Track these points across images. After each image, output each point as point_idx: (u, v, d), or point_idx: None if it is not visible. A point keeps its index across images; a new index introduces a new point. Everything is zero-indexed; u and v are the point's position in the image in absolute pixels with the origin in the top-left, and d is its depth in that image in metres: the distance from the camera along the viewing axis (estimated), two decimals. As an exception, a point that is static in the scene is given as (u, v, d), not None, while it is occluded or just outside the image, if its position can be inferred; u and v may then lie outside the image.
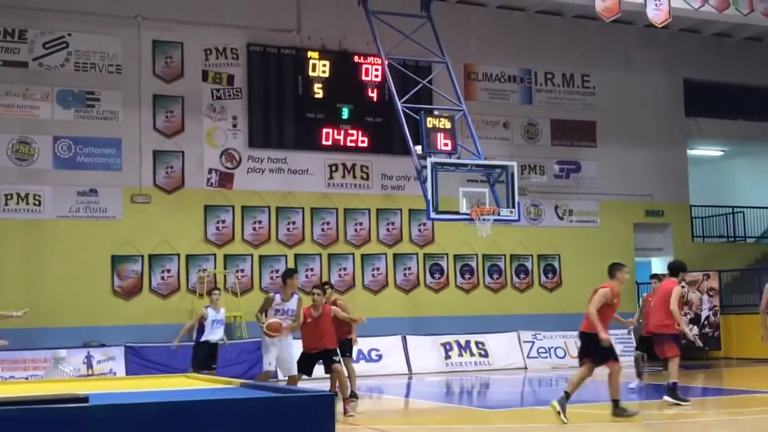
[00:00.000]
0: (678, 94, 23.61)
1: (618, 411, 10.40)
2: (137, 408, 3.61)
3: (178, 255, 18.58)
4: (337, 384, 11.38)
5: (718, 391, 13.57)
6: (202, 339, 13.62)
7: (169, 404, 3.75)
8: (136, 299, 18.18)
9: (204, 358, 13.55)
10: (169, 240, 18.49)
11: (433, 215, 15.31)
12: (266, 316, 11.31)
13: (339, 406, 10.63)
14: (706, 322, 20.73)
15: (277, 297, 11.45)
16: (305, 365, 11.55)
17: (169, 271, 18.46)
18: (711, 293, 20.94)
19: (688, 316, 20.40)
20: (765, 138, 25.08)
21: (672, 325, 11.55)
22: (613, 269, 11.22)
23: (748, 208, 25.44)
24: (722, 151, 26.47)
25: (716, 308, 20.99)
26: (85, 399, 3.76)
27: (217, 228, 18.98)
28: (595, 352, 10.55)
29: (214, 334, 13.69)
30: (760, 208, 25.54)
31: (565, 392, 10.20)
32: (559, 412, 9.78)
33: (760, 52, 24.34)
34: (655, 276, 14.97)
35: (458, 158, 15.89)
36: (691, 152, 24.55)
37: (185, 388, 5.10)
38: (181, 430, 3.52)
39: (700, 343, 20.66)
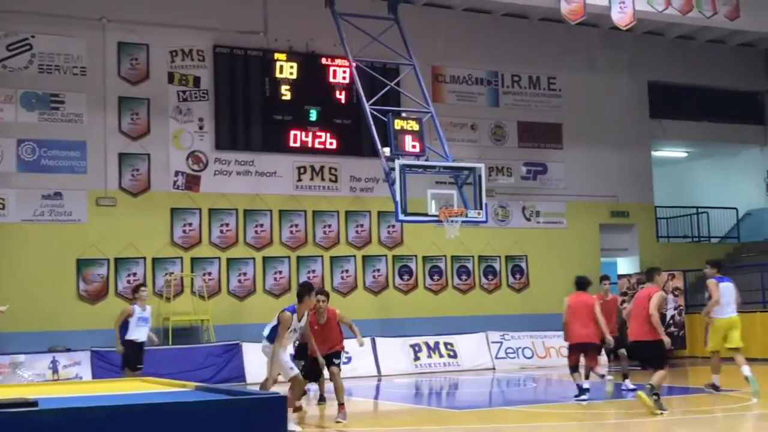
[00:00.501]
0: (642, 96, 23.87)
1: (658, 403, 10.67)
2: (87, 412, 3.59)
3: (144, 258, 18.43)
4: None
5: (684, 390, 13.72)
6: (127, 337, 13.31)
7: (120, 408, 3.73)
8: (102, 303, 18.01)
9: (129, 360, 13.26)
10: (135, 243, 18.34)
11: (401, 217, 15.31)
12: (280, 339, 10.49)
13: (320, 410, 10.59)
14: (671, 322, 20.95)
15: (294, 318, 10.54)
16: (313, 371, 11.49)
17: (135, 274, 18.30)
18: (676, 293, 21.17)
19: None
20: (728, 139, 25.44)
21: (654, 332, 11.10)
22: (653, 273, 11.74)
23: (712, 209, 25.77)
24: (686, 152, 26.79)
25: (681, 308, 21.24)
26: (34, 404, 3.74)
27: (184, 231, 18.85)
28: (657, 358, 10.93)
29: (140, 333, 13.34)
30: (723, 208, 25.88)
31: (652, 385, 10.71)
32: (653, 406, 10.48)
33: (723, 55, 24.68)
34: (605, 278, 15.02)
35: (426, 160, 15.91)
36: (655, 153, 24.82)
37: (139, 391, 5.06)
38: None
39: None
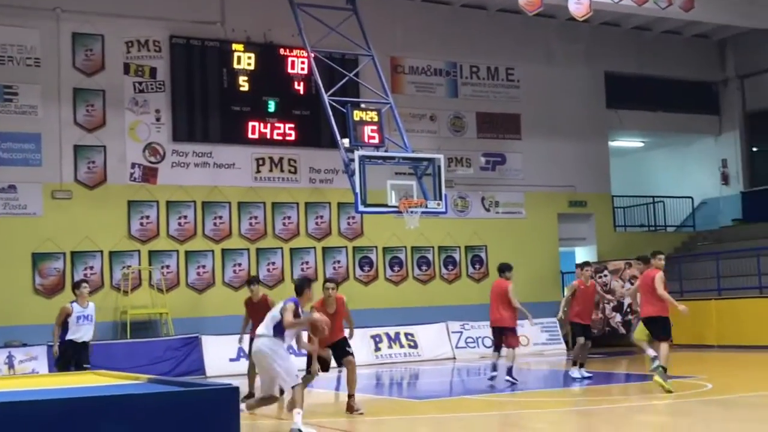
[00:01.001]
0: (599, 86, 24.08)
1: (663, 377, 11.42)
2: (39, 405, 3.55)
3: (102, 252, 18.22)
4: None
5: (642, 377, 13.90)
6: (67, 338, 12.21)
7: (72, 401, 3.68)
8: (59, 297, 17.72)
9: (70, 359, 12.14)
10: (91, 236, 18.12)
11: (361, 208, 15.31)
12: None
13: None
14: (628, 310, 21.19)
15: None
16: (324, 360, 11.12)
17: (92, 268, 18.09)
18: (633, 281, 21.40)
19: (611, 304, 20.85)
20: (684, 129, 25.77)
21: (665, 308, 12.00)
22: (649, 257, 12.64)
23: (668, 198, 26.11)
24: (642, 142, 27.09)
25: (638, 296, 21.46)
26: None
27: (141, 224, 18.66)
28: (663, 331, 11.88)
29: (80, 333, 12.27)
30: (679, 197, 26.23)
31: (663, 367, 11.47)
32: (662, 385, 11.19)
33: (678, 45, 24.98)
34: (580, 265, 15.16)
35: (386, 151, 15.92)
36: (612, 144, 25.07)
37: (91, 384, 5.01)
38: (82, 426, 3.47)
39: (623, 330, 21.15)
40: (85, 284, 12.83)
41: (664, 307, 11.93)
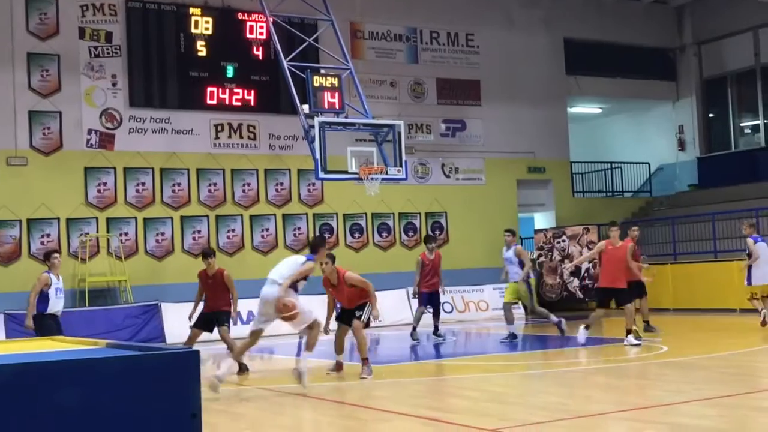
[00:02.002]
0: (558, 52, 24.16)
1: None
2: None
3: (58, 219, 18.01)
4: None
5: (599, 341, 14.13)
6: (48, 311, 11.62)
7: (30, 365, 3.65)
8: (15, 265, 17.56)
9: (54, 333, 11.12)
10: (48, 204, 17.89)
11: (321, 175, 15.28)
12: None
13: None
14: (586, 275, 21.47)
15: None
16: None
17: (48, 235, 17.88)
18: (591, 246, 21.64)
19: (569, 269, 21.09)
20: (641, 95, 25.99)
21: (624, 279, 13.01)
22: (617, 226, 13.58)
23: (625, 164, 26.39)
24: (601, 108, 27.29)
25: (595, 261, 21.72)
26: None
27: (99, 191, 18.45)
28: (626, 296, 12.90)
29: (60, 306, 11.80)
30: (636, 163, 26.52)
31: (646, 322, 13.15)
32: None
33: (637, 12, 25.14)
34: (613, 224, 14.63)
35: (346, 117, 15.87)
36: (571, 110, 25.23)
37: (48, 350, 4.98)
38: (40, 390, 3.45)
39: (580, 295, 21.43)
40: (57, 254, 12.18)
41: (632, 275, 13.19)
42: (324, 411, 8.79)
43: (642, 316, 14.79)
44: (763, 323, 14.55)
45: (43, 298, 11.60)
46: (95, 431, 3.52)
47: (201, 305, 12.30)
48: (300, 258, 10.37)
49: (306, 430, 7.73)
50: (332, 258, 11.46)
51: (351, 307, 11.21)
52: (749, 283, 14.91)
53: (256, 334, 10.30)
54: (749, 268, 14.84)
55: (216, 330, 12.04)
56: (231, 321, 12.09)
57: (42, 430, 3.42)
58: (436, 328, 15.78)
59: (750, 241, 15.02)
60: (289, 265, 10.20)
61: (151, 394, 3.62)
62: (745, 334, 14.25)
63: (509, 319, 15.11)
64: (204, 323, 12.19)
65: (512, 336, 14.79)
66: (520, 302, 15.98)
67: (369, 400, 9.40)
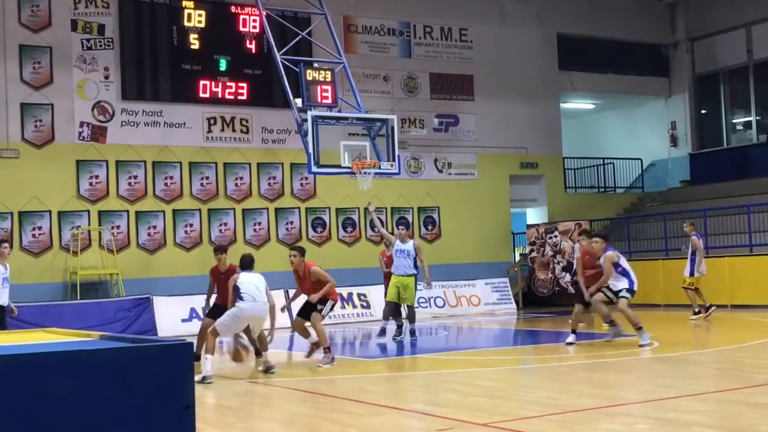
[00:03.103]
0: (551, 48, 24.18)
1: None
2: None
3: (50, 212, 17.96)
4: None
5: (590, 335, 14.17)
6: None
7: (19, 356, 3.64)
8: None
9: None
10: (39, 196, 17.84)
11: (314, 169, 15.26)
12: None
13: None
14: (576, 270, 21.49)
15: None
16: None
17: (40, 228, 17.84)
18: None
19: (561, 264, 21.13)
20: (634, 91, 26.04)
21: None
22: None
23: (617, 160, 26.43)
24: (593, 104, 27.33)
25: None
26: None
27: (91, 183, 18.41)
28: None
29: (4, 296, 11.55)
30: (628, 159, 26.57)
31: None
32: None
33: (630, 8, 25.17)
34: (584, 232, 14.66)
35: (339, 111, 15.85)
36: (564, 105, 25.26)
37: (40, 341, 4.97)
38: (32, 381, 3.44)
39: (572, 290, 21.45)
40: (5, 244, 11.93)
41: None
42: (315, 405, 8.79)
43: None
44: (696, 313, 16.15)
45: None
46: (88, 422, 3.51)
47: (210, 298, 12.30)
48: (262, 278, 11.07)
49: (296, 423, 7.73)
50: (301, 251, 11.83)
51: (313, 301, 11.64)
52: (691, 274, 16.50)
53: (216, 335, 10.75)
54: (693, 261, 16.44)
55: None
56: None
57: (35, 421, 3.42)
58: (412, 329, 14.92)
59: (695, 238, 16.58)
60: (263, 284, 10.99)
61: (144, 386, 3.62)
62: (736, 330, 14.30)
63: (387, 316, 14.44)
64: (217, 315, 12.18)
65: (382, 331, 14.37)
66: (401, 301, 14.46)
67: (361, 394, 9.41)
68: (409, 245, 14.29)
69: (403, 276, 14.14)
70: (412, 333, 14.39)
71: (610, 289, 12.39)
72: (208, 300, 12.46)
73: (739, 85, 25.37)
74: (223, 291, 12.16)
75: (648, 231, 22.53)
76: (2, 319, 11.50)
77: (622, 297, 12.29)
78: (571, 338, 12.69)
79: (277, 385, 9.95)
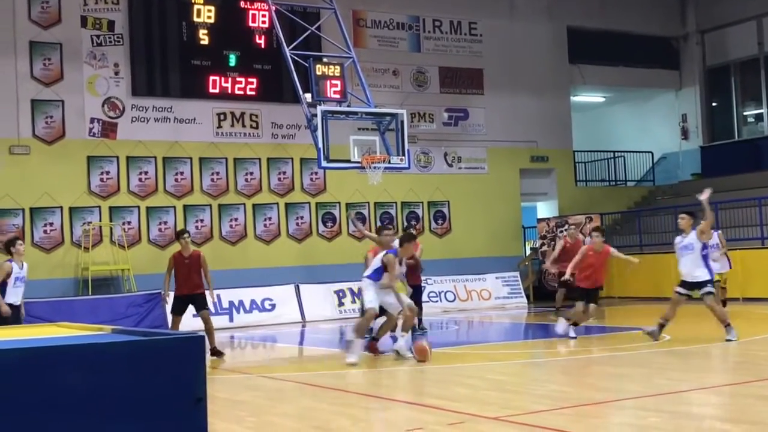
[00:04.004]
0: (561, 41, 24.10)
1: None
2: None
3: (61, 208, 18.02)
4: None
5: (601, 329, 14.14)
6: (6, 301, 11.06)
7: (36, 350, 3.67)
8: (18, 254, 17.56)
9: (7, 323, 10.42)
10: (50, 192, 17.90)
11: (324, 164, 15.25)
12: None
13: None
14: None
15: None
16: None
17: (51, 224, 17.90)
18: (593, 235, 21.61)
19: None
20: (644, 84, 25.94)
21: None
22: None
23: (628, 153, 26.35)
24: (604, 97, 27.23)
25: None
26: None
27: (102, 179, 18.46)
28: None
29: (18, 296, 11.25)
30: (639, 152, 26.49)
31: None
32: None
33: (640, 0, 25.05)
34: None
35: (348, 106, 15.84)
36: (574, 99, 25.18)
37: (54, 335, 4.99)
38: (46, 375, 3.46)
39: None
40: (21, 241, 11.71)
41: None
42: (327, 399, 8.80)
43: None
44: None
45: (2, 287, 11.08)
46: (101, 414, 3.53)
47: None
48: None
49: (308, 418, 7.74)
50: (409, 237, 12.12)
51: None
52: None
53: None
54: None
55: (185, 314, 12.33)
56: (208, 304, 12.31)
57: (49, 412, 3.44)
58: (420, 321, 14.84)
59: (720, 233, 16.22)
60: (371, 267, 11.26)
61: (156, 379, 3.63)
62: (748, 323, 14.25)
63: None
64: (182, 307, 12.22)
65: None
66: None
67: (372, 388, 9.42)
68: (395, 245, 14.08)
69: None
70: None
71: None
72: (166, 289, 12.48)
73: (750, 77, 25.24)
74: (186, 279, 12.10)
75: (659, 224, 22.44)
76: (17, 318, 11.15)
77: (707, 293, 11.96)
78: (572, 332, 12.59)
79: (288, 380, 9.96)
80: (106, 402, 3.55)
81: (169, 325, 12.54)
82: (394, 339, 11.42)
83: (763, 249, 19.12)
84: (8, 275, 11.10)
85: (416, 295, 14.43)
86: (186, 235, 12.42)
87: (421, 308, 14.52)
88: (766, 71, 24.58)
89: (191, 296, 12.16)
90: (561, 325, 12.83)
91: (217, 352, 11.94)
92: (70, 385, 3.48)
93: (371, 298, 11.06)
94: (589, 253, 13.00)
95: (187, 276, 12.14)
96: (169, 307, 12.68)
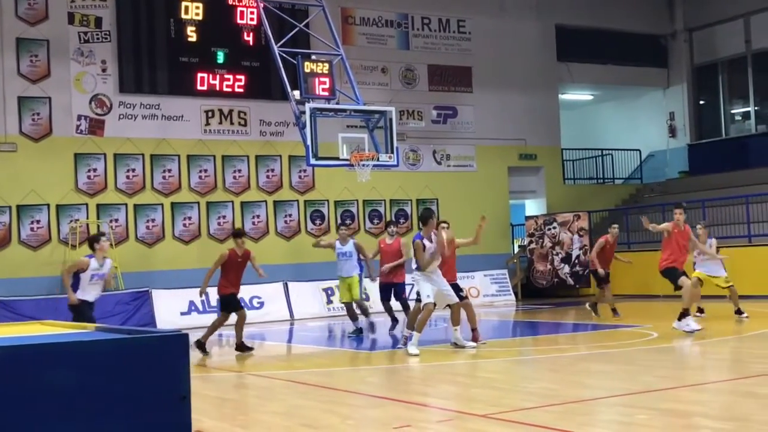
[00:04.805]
0: (550, 39, 24.13)
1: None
2: None
3: (48, 205, 17.94)
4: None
5: (589, 326, 14.17)
6: (81, 297, 10.78)
7: (16, 348, 3.64)
8: (5, 252, 17.51)
9: (84, 320, 9.94)
10: (37, 190, 17.82)
11: (312, 161, 15.21)
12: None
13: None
14: (576, 261, 21.52)
15: (426, 242, 11.61)
16: None
17: (38, 222, 17.82)
18: (581, 233, 21.71)
19: (560, 256, 21.14)
20: (632, 82, 26.00)
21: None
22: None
23: (616, 151, 26.41)
24: (592, 95, 27.29)
25: (586, 247, 21.79)
26: None
27: (89, 177, 18.39)
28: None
29: (94, 292, 10.99)
30: (627, 150, 26.55)
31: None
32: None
33: (628, -1, 25.11)
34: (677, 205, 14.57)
35: (337, 104, 15.80)
36: (562, 97, 25.23)
37: (38, 333, 4.97)
38: (29, 373, 3.44)
39: (571, 281, 21.48)
40: (105, 237, 11.44)
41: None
42: (315, 397, 8.79)
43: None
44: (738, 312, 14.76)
45: (76, 282, 10.70)
46: (85, 412, 3.52)
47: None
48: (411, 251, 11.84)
49: (296, 415, 7.73)
50: (239, 235, 12.71)
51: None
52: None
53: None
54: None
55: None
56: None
57: (33, 410, 3.42)
58: (395, 321, 14.85)
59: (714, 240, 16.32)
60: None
61: (140, 377, 3.62)
62: (734, 320, 14.30)
63: (354, 316, 14.37)
64: (230, 305, 12.29)
65: (358, 331, 14.25)
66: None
67: (360, 385, 9.42)
68: (350, 246, 14.53)
69: (347, 277, 14.41)
70: (362, 328, 14.25)
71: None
72: (206, 284, 12.48)
73: (738, 76, 25.33)
74: (238, 278, 12.40)
75: (647, 222, 22.48)
76: (89, 314, 10.62)
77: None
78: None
79: (276, 378, 9.95)
80: (90, 400, 3.54)
81: (218, 321, 12.65)
82: (394, 338, 11.54)
83: (750, 247, 19.20)
84: (83, 270, 10.81)
85: (398, 292, 14.54)
86: (242, 237, 12.72)
87: (405, 306, 14.54)
88: (754, 69, 24.67)
89: (237, 294, 12.50)
90: (688, 323, 12.27)
91: (243, 347, 12.16)
92: (53, 384, 3.46)
93: (428, 292, 11.33)
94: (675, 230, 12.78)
95: (238, 275, 12.42)
96: (198, 298, 13.32)
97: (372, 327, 14.38)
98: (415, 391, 9.06)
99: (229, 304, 12.45)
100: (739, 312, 14.33)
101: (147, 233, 18.85)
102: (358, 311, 14.32)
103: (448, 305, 11.69)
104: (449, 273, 12.06)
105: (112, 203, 18.56)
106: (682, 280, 12.16)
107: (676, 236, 12.51)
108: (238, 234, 12.80)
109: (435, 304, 11.45)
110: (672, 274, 12.30)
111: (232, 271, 12.39)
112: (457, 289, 11.95)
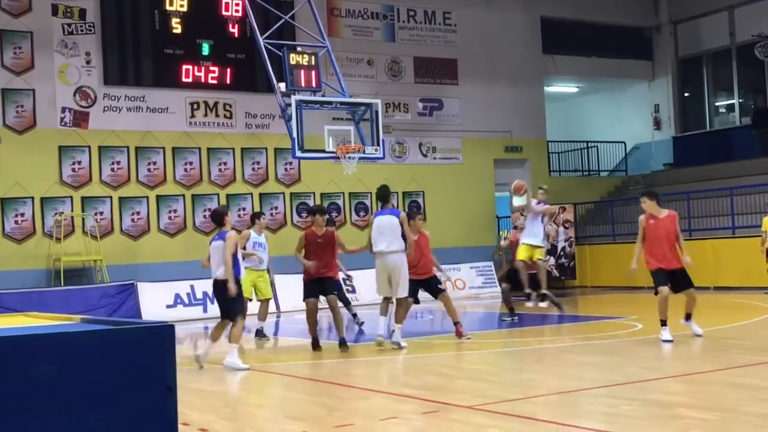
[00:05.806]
0: (535, 31, 24.15)
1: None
2: None
3: (33, 198, 17.85)
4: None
5: (574, 318, 14.23)
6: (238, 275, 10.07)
7: (2, 339, 3.63)
8: (-11, 245, 17.40)
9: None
10: (21, 182, 17.72)
11: (298, 154, 15.19)
12: None
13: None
14: (562, 253, 21.60)
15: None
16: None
17: (23, 214, 17.72)
18: (566, 225, 21.79)
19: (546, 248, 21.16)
20: (618, 74, 26.06)
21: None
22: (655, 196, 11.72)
23: (601, 143, 26.49)
24: (577, 87, 27.34)
25: (572, 239, 21.89)
26: None
27: (73, 169, 18.30)
28: None
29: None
30: (612, 142, 26.63)
31: None
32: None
33: (613, -9, 25.15)
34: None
35: (323, 96, 15.78)
36: (548, 89, 25.27)
37: (22, 325, 4.95)
38: (12, 364, 3.43)
39: (556, 273, 21.55)
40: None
41: None
42: (302, 389, 8.80)
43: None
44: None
45: (235, 258, 9.89)
46: (69, 404, 3.51)
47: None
48: (393, 219, 11.12)
49: (284, 408, 7.74)
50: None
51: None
52: None
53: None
54: None
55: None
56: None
57: (17, 403, 3.40)
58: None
59: None
60: (392, 228, 10.98)
61: (125, 368, 3.62)
62: (719, 311, 14.40)
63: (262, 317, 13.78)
64: (314, 290, 11.31)
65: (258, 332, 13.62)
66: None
67: (346, 378, 9.43)
68: (264, 237, 13.55)
69: (256, 270, 13.36)
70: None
71: None
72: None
73: (722, 68, 25.44)
74: (319, 260, 11.21)
75: (632, 214, 22.52)
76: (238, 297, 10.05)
77: None
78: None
79: (264, 370, 9.94)
80: (74, 391, 3.53)
81: (306, 311, 11.55)
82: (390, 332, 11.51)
83: (733, 238, 19.31)
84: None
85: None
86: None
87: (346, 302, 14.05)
88: (738, 62, 24.78)
89: (321, 278, 11.32)
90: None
91: (344, 343, 11.24)
92: (38, 375, 3.45)
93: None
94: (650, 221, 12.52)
95: (318, 257, 11.25)
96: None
97: (355, 318, 14.36)
98: (401, 382, 9.08)
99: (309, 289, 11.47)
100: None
101: (132, 226, 18.78)
102: (340, 304, 14.03)
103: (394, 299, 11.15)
104: (426, 266, 11.73)
105: (97, 196, 18.49)
106: (660, 289, 11.19)
107: (649, 229, 11.37)
108: (315, 211, 11.72)
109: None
110: (654, 277, 11.43)
111: (309, 252, 11.35)
112: (435, 282, 11.84)
